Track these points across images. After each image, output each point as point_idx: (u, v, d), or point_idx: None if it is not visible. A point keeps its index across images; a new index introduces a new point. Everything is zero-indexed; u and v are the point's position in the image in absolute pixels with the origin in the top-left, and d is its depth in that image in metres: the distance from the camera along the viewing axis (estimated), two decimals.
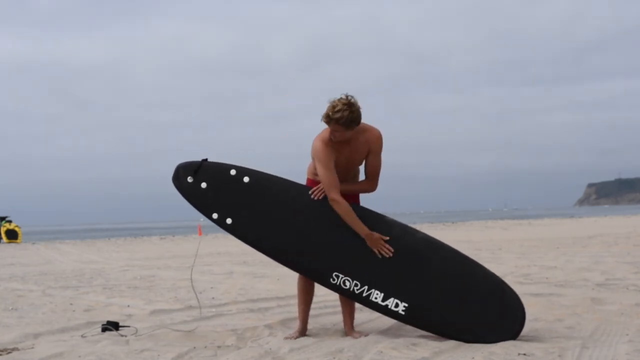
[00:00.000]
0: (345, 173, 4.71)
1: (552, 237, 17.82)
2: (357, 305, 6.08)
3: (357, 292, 4.55)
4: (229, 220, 4.71)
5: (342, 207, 4.50)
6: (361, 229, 4.51)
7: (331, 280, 4.57)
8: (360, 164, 4.76)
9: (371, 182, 4.75)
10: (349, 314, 4.84)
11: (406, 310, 4.46)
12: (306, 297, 4.87)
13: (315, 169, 4.71)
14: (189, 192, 4.75)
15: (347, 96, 4.47)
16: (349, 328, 4.82)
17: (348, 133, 4.53)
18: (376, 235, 4.52)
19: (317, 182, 4.72)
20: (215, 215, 4.72)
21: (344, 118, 4.43)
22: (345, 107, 4.42)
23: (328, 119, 4.48)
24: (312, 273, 4.68)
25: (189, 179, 4.75)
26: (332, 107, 4.46)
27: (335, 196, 4.52)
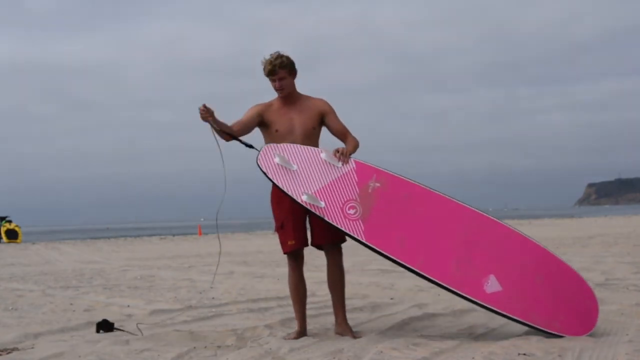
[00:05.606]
0: (304, 138, 4.77)
1: (552, 237, 17.80)
2: (357, 305, 6.09)
3: None
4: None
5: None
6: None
7: None
8: (315, 127, 4.80)
9: (351, 139, 4.81)
10: (340, 307, 4.75)
11: None
12: (299, 296, 4.78)
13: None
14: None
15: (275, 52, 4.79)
16: (341, 322, 4.74)
17: (290, 80, 4.74)
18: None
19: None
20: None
21: (284, 62, 4.70)
22: (278, 54, 4.73)
23: (272, 66, 4.69)
24: None
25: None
26: (269, 59, 4.72)
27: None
